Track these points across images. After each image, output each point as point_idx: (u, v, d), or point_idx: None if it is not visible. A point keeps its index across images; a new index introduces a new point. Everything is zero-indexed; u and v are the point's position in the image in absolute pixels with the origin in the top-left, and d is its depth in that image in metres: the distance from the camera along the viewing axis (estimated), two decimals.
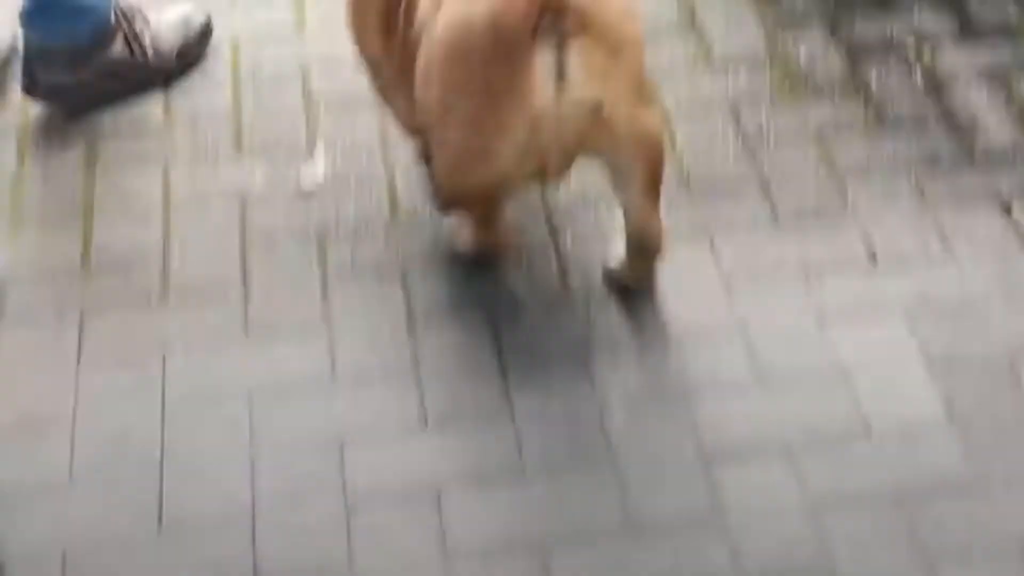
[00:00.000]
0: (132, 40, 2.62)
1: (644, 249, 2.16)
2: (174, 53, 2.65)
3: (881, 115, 2.47)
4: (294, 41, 2.61)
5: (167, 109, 2.51)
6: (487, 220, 2.22)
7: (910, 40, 2.61)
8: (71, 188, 2.37)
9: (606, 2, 1.98)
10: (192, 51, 2.67)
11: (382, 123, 2.46)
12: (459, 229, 2.26)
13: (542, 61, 1.93)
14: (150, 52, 2.62)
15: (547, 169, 2.06)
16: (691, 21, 2.67)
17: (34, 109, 2.54)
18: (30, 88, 2.59)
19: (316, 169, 2.38)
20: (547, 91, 1.95)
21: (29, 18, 2.57)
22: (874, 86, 2.52)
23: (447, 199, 2.17)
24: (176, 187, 2.37)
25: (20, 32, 2.59)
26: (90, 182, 2.39)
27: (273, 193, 2.36)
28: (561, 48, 1.93)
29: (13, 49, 2.60)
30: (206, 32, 2.70)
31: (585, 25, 1.94)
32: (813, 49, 2.60)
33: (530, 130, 1.98)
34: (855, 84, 2.53)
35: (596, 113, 2.00)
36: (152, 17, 2.65)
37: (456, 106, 2.00)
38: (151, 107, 2.52)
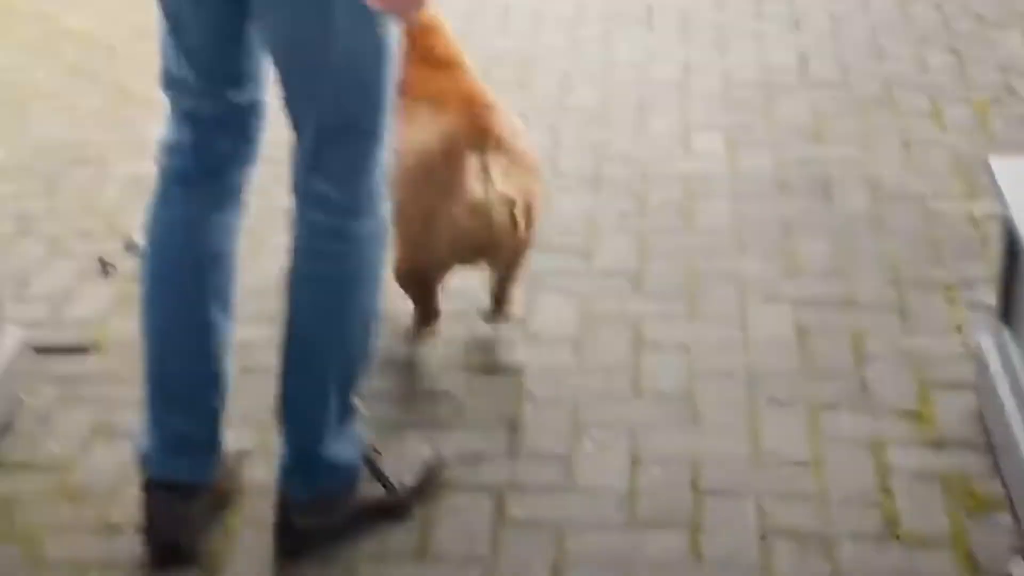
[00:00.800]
0: (379, 480, 2.75)
1: (498, 309, 3.17)
2: (414, 487, 2.78)
3: None
4: None
5: None
6: (427, 300, 3.09)
7: None
8: None
9: (515, 135, 2.98)
10: (429, 486, 2.81)
11: None
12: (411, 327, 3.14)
13: (472, 167, 2.92)
14: (394, 488, 2.75)
15: (475, 254, 3.00)
16: None
17: None
18: (284, 536, 2.68)
19: None
20: (478, 188, 2.92)
21: (287, 474, 2.68)
22: None
23: (403, 276, 3.04)
24: None
25: (276, 488, 2.68)
26: None
27: None
28: (485, 158, 2.92)
29: None
30: (437, 474, 2.83)
31: (501, 146, 2.94)
32: None
33: (467, 216, 2.91)
34: None
35: (510, 208, 2.93)
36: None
37: (415, 203, 2.94)
38: None
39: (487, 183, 2.90)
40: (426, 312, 3.10)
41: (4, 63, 4.60)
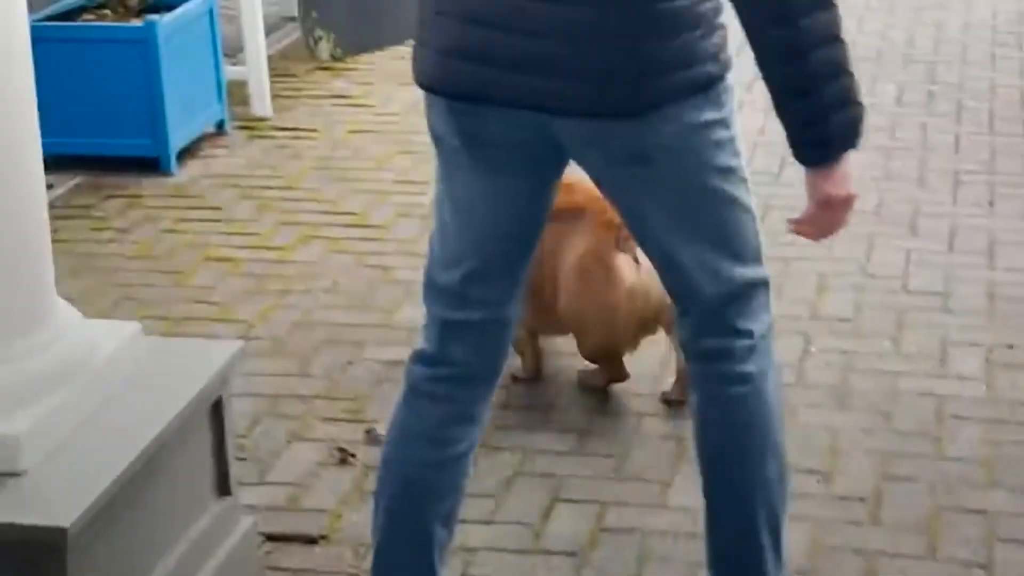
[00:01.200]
0: None
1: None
2: None
3: None
4: None
5: None
6: (617, 368, 3.76)
7: None
8: None
9: None
10: None
11: None
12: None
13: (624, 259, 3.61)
14: None
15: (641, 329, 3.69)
16: None
17: None
18: None
19: None
20: (631, 275, 3.60)
21: None
22: None
23: (592, 355, 3.76)
24: None
25: None
26: None
27: None
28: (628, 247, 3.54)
29: None
30: None
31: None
32: None
33: (629, 299, 3.61)
34: None
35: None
36: None
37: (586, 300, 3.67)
38: None
39: (636, 268, 3.58)
40: (617, 375, 3.78)
41: (275, 241, 4.78)
